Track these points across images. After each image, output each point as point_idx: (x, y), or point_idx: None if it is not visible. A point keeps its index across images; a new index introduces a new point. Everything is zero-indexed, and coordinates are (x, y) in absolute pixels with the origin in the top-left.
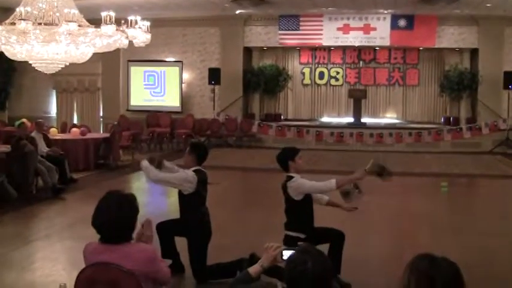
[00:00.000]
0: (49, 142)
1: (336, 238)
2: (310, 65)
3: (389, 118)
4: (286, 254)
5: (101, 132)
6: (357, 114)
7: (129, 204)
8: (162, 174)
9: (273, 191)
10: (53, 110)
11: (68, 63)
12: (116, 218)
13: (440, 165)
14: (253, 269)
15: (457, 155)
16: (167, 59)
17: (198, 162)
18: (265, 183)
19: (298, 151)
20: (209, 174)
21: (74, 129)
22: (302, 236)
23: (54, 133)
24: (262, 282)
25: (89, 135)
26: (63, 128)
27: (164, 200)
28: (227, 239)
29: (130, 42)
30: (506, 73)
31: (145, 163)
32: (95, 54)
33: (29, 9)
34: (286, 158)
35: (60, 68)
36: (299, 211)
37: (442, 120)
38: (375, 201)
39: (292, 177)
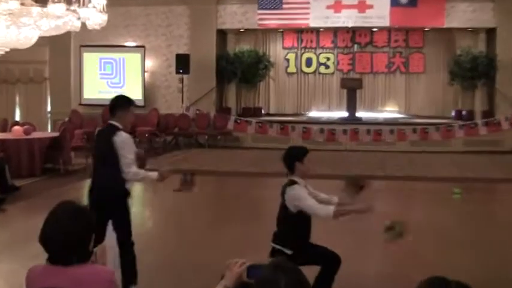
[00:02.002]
0: None
1: (329, 261)
2: (296, 50)
3: (390, 112)
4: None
5: (49, 130)
6: (351, 107)
7: (84, 217)
8: None
9: (252, 199)
10: None
11: (8, 49)
12: (67, 234)
13: (451, 167)
14: None
15: (472, 155)
16: (127, 44)
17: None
18: (243, 190)
19: (307, 152)
20: (177, 179)
21: (16, 128)
22: (289, 252)
23: None
24: None
25: (34, 135)
26: (3, 126)
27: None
28: (200, 256)
29: (83, 24)
30: None
31: None
32: (40, 38)
33: None
34: (294, 158)
35: None
36: (292, 223)
37: (453, 114)
38: (375, 210)
39: (295, 182)
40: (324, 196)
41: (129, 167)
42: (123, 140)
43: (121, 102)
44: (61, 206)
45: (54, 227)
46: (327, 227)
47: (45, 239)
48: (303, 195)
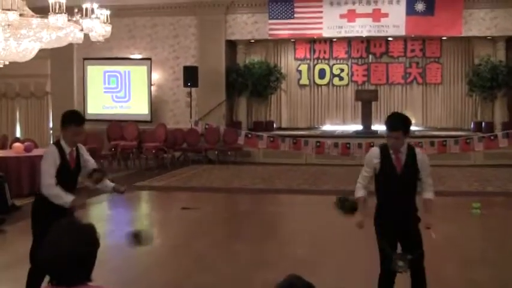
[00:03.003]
0: None
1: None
2: (308, 61)
3: None
4: None
5: None
6: (367, 120)
7: (87, 236)
8: None
9: (263, 217)
10: None
11: (7, 62)
12: (70, 253)
13: (470, 181)
14: None
15: (492, 169)
16: (132, 56)
17: None
18: (253, 208)
19: (390, 130)
20: (186, 197)
21: (17, 145)
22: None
23: None
24: None
25: (35, 152)
26: (3, 142)
27: (128, 230)
28: (209, 275)
29: (86, 36)
30: None
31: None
32: (41, 51)
33: None
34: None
35: None
36: (375, 182)
37: (472, 126)
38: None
39: (380, 146)
40: None
41: (43, 179)
42: (44, 153)
43: (62, 119)
44: (62, 224)
45: (55, 246)
46: (345, 242)
47: (45, 259)
48: (365, 164)
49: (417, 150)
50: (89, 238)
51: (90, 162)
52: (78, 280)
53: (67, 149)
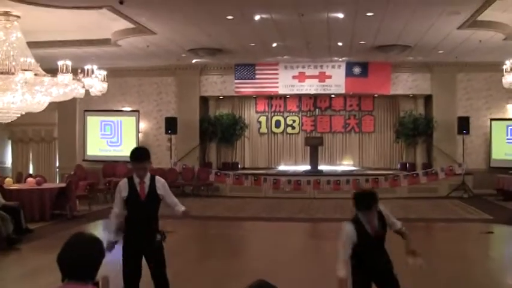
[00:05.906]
0: (4, 192)
1: None
2: (267, 114)
3: (346, 165)
4: None
5: (57, 182)
6: (314, 161)
7: (99, 244)
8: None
9: (231, 239)
10: (8, 160)
11: (23, 113)
12: (86, 254)
13: (397, 210)
14: None
15: (414, 200)
16: (124, 109)
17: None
18: (222, 232)
19: (367, 207)
20: (164, 223)
21: (30, 179)
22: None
23: (9, 183)
24: None
25: (44, 185)
26: (19, 178)
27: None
28: (187, 287)
29: (87, 92)
30: (459, 118)
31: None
32: (51, 103)
33: None
34: (355, 204)
35: (15, 118)
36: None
37: (399, 166)
38: (324, 248)
39: (354, 220)
40: None
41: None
42: None
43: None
44: (79, 233)
45: (74, 248)
46: (297, 259)
47: (64, 258)
48: (341, 238)
49: (381, 207)
50: (101, 246)
51: (169, 199)
52: (88, 278)
53: (136, 180)
